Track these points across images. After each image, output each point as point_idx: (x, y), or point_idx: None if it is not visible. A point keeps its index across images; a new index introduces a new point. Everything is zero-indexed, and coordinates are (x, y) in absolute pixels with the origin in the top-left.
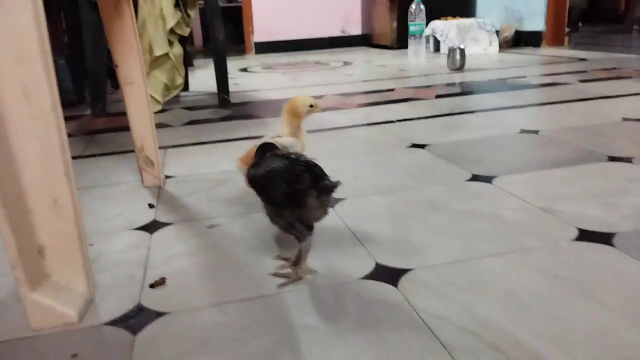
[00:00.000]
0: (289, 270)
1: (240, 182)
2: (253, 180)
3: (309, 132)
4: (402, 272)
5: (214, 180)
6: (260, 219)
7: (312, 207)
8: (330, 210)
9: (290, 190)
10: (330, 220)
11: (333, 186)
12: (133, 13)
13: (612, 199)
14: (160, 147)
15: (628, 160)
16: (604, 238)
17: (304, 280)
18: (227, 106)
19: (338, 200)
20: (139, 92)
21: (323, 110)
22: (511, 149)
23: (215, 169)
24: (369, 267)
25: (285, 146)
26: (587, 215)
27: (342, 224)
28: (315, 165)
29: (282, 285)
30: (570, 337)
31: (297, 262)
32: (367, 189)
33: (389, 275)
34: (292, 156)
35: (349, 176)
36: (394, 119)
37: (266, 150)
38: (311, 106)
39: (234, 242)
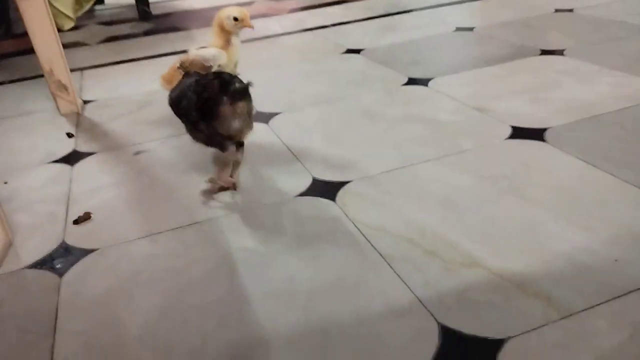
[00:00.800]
0: (213, 177)
1: (166, 103)
2: (170, 103)
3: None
4: (339, 185)
5: (138, 102)
6: (186, 138)
7: (225, 115)
8: (260, 125)
9: (200, 101)
10: (265, 137)
11: (242, 88)
12: None
13: (544, 93)
14: (75, 69)
15: (560, 52)
16: (536, 134)
17: (237, 203)
18: (148, 19)
19: (272, 115)
20: (38, 7)
21: (252, 26)
22: (446, 49)
23: (139, 89)
24: (306, 183)
25: (207, 58)
26: (520, 112)
27: (277, 139)
28: (224, 73)
29: (207, 192)
30: (500, 235)
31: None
32: (302, 101)
33: (326, 189)
34: (204, 72)
35: (283, 89)
36: (327, 24)
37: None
38: (236, 19)
39: (163, 168)
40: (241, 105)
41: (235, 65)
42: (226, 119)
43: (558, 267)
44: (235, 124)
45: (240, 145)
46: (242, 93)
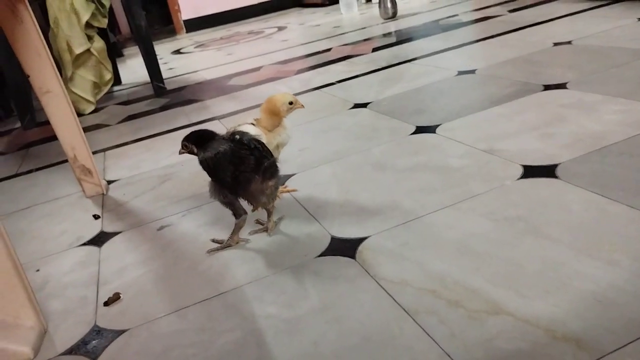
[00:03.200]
0: (222, 239)
1: (186, 175)
2: (203, 163)
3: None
4: (358, 242)
5: (158, 177)
6: (210, 210)
7: (256, 192)
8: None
9: (236, 173)
10: (284, 199)
11: (273, 167)
12: (33, 17)
13: (551, 129)
14: (98, 151)
15: (563, 86)
16: (547, 171)
17: (259, 269)
18: (163, 94)
19: (287, 177)
20: (59, 100)
21: (303, 106)
22: (451, 94)
23: (158, 164)
24: (325, 243)
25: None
26: (529, 149)
27: (294, 200)
28: (259, 145)
29: (210, 251)
30: (522, 278)
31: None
32: (314, 159)
33: (345, 247)
34: (237, 137)
35: (295, 149)
36: (333, 81)
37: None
38: (291, 103)
39: (186, 241)
40: (271, 184)
41: (281, 147)
42: (256, 195)
43: (585, 306)
44: (263, 199)
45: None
46: (273, 172)
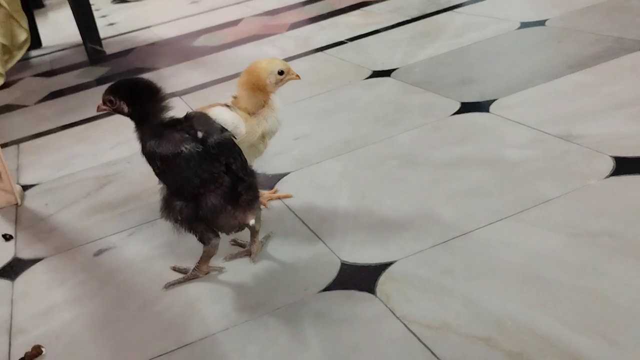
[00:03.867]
0: (187, 267)
1: (134, 175)
2: (149, 156)
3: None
4: (379, 269)
5: (96, 179)
6: (166, 225)
7: (227, 223)
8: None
9: (201, 188)
10: (272, 209)
11: (254, 193)
12: None
13: None
14: (9, 143)
15: None
16: None
17: (241, 309)
18: (101, 61)
19: (278, 177)
20: None
21: (298, 77)
22: (510, 55)
23: (97, 161)
24: (332, 271)
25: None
26: (622, 135)
27: (288, 211)
28: (237, 159)
29: (170, 284)
30: (612, 316)
31: (200, 261)
32: (316, 151)
33: (360, 277)
34: (200, 136)
35: (290, 137)
36: (343, 39)
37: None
38: (281, 73)
39: (134, 271)
40: (250, 215)
41: (268, 137)
42: (225, 227)
43: None
44: (235, 228)
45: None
46: (251, 199)
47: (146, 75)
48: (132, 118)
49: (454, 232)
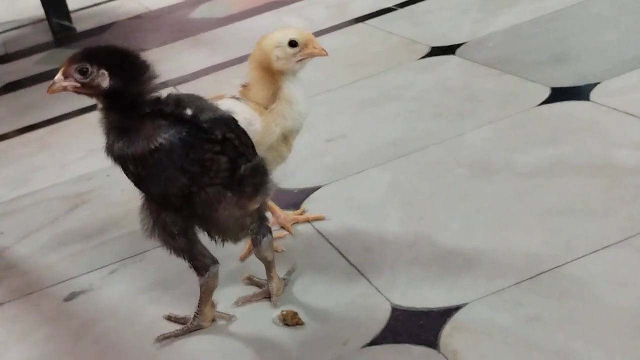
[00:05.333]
0: (185, 315)
1: (115, 194)
2: (121, 162)
3: None
4: (444, 315)
5: (66, 199)
6: (161, 261)
7: (228, 219)
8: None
9: (192, 186)
10: (298, 235)
11: (255, 173)
12: None
13: None
14: None
15: None
16: None
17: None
18: (70, 40)
19: (308, 192)
20: None
21: (326, 53)
22: (618, 23)
23: (65, 174)
24: (381, 318)
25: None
26: None
27: (320, 237)
28: (237, 134)
29: (162, 337)
30: None
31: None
32: (357, 157)
33: (419, 326)
34: (190, 113)
35: (323, 137)
36: (391, 5)
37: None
38: (293, 45)
39: (117, 321)
40: (254, 206)
41: (292, 137)
42: (228, 225)
43: None
44: (241, 232)
45: (260, 235)
46: (259, 183)
47: None
48: (106, 98)
49: (543, 266)
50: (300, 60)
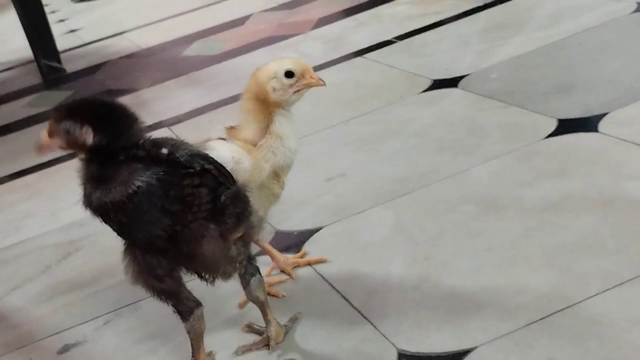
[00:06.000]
0: None
1: (109, 240)
2: (100, 212)
3: None
4: (454, 359)
5: (58, 247)
6: (156, 311)
7: (209, 253)
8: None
9: (175, 225)
10: (299, 279)
11: (235, 200)
12: None
13: None
14: None
15: None
16: None
17: None
18: (60, 82)
19: (307, 234)
20: None
21: (323, 83)
22: (625, 50)
23: (57, 221)
24: None
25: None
26: None
27: (322, 281)
28: (212, 164)
29: None
30: None
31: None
32: (358, 196)
33: None
34: (166, 152)
35: (322, 175)
36: (390, 37)
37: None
38: (290, 75)
39: None
40: (239, 230)
41: (282, 173)
42: (214, 260)
43: None
44: (228, 266)
45: (248, 275)
46: (241, 210)
47: (124, 99)
48: (91, 153)
49: (555, 305)
50: (297, 91)
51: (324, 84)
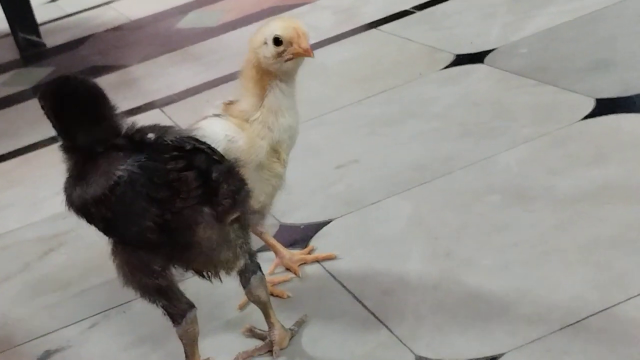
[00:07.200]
0: None
1: (95, 235)
2: (83, 210)
3: None
4: None
5: (39, 241)
6: (146, 312)
7: (208, 240)
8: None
9: (165, 214)
10: (307, 278)
11: (228, 179)
12: None
13: None
14: None
15: None
16: None
17: None
18: (39, 57)
19: (315, 227)
20: None
21: (311, 54)
22: None
23: (38, 213)
24: None
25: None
26: None
27: (332, 280)
28: (200, 146)
29: None
30: None
31: None
32: (372, 185)
33: None
34: (153, 137)
35: (331, 161)
36: (408, 8)
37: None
38: (277, 43)
39: None
40: (237, 214)
41: (283, 151)
42: (212, 248)
43: None
44: (226, 253)
45: (248, 272)
46: (236, 190)
47: (110, 77)
48: (61, 137)
49: (591, 307)
50: (289, 59)
51: (312, 55)
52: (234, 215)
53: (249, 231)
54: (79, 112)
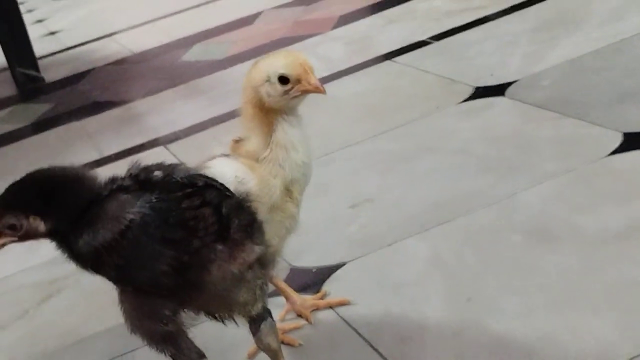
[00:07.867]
0: None
1: (97, 279)
2: (92, 260)
3: None
4: None
5: (37, 287)
6: (149, 359)
7: (220, 280)
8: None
9: (182, 256)
10: (320, 324)
11: (239, 213)
12: None
13: None
14: None
15: None
16: None
17: None
18: (38, 93)
19: (328, 270)
20: None
21: (322, 90)
22: None
23: (35, 257)
24: None
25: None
26: None
27: (345, 326)
28: (211, 183)
29: None
30: None
31: None
32: (387, 225)
33: None
34: (160, 175)
35: (343, 203)
36: (424, 38)
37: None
38: (285, 81)
39: None
40: (249, 249)
41: (296, 190)
42: (227, 289)
43: None
44: (242, 294)
45: (258, 319)
46: (248, 223)
47: (112, 113)
48: (53, 238)
49: (621, 353)
50: (295, 97)
51: (323, 92)
52: (251, 254)
53: (268, 270)
54: (68, 200)
